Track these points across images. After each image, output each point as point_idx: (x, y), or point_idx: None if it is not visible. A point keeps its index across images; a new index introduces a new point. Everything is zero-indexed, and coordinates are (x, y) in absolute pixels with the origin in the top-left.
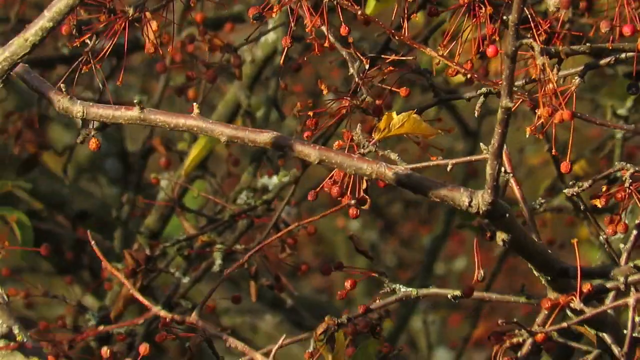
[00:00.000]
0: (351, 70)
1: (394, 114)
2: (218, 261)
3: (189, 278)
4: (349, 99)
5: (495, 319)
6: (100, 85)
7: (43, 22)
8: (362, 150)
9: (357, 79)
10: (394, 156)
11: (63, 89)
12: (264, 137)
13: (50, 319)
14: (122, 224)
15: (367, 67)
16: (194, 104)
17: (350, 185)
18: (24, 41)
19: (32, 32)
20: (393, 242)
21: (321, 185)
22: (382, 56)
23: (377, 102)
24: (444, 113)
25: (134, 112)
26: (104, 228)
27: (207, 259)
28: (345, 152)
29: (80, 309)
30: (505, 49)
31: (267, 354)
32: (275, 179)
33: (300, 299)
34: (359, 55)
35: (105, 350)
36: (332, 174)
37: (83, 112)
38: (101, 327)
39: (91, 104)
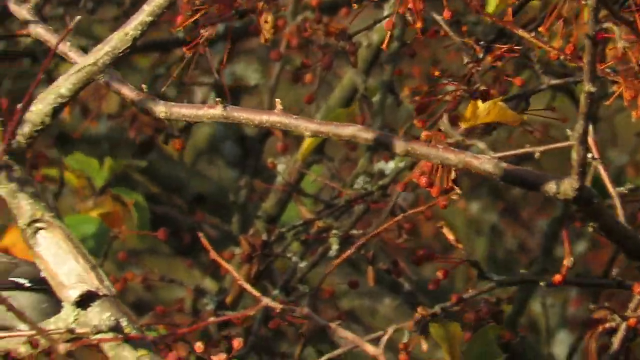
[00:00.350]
0: (465, 59)
1: (479, 102)
2: (335, 246)
3: (306, 263)
4: (462, 86)
5: (616, 301)
6: (215, 72)
7: (143, 16)
8: (450, 139)
9: (470, 67)
10: (482, 145)
11: (145, 89)
12: (348, 131)
13: (168, 302)
14: (239, 208)
15: (480, 55)
16: (277, 100)
17: (440, 175)
18: (124, 35)
19: (132, 27)
20: (513, 225)
21: (409, 176)
22: (496, 45)
23: (491, 89)
24: (563, 98)
25: (217, 111)
26: (221, 211)
27: (324, 244)
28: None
29: (199, 293)
30: (587, 33)
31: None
32: (391, 164)
33: (419, 282)
34: (472, 43)
35: (199, 346)
36: (420, 164)
37: (166, 112)
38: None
39: (173, 104)
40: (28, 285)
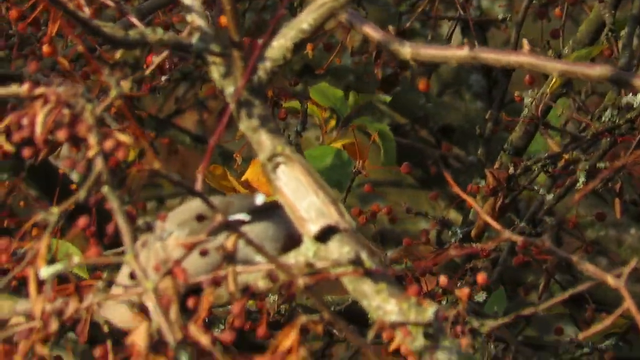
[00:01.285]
0: None
1: None
2: (582, 179)
3: (553, 195)
4: None
5: None
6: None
7: None
8: None
9: None
10: None
11: (392, 30)
12: (598, 71)
13: (414, 234)
14: (485, 140)
15: None
16: (524, 40)
17: None
18: None
19: None
20: None
21: None
22: None
23: None
24: None
25: (464, 52)
26: (467, 143)
27: (570, 177)
28: None
29: (444, 225)
30: None
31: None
32: (639, 97)
33: None
34: None
35: (443, 279)
36: None
37: (413, 54)
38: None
39: (420, 45)
40: (248, 219)
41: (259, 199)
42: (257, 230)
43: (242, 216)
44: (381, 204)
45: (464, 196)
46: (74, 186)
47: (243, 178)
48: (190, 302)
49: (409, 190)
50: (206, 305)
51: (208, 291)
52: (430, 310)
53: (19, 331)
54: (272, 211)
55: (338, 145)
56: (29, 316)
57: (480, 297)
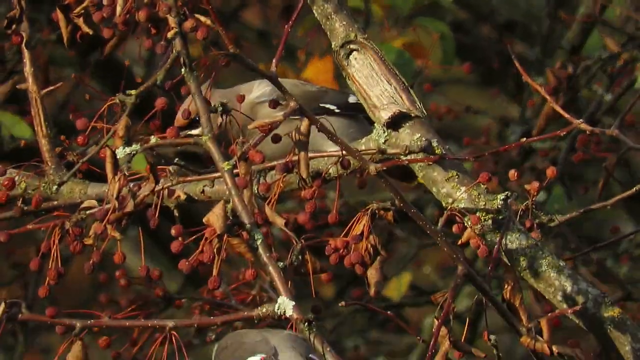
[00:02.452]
0: None
1: None
2: None
3: (611, 95)
4: None
5: None
6: None
7: None
8: None
9: None
10: None
11: None
12: None
13: (474, 132)
14: (543, 37)
15: None
16: None
17: None
18: None
19: None
20: None
21: None
22: None
23: None
24: None
25: None
26: (528, 39)
27: (629, 76)
28: None
29: (504, 122)
30: None
31: None
32: None
33: None
34: None
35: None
36: None
37: None
38: (523, 140)
39: None
40: (337, 111)
41: (352, 98)
42: (341, 124)
43: (332, 107)
44: (441, 102)
45: (532, 83)
46: (139, 79)
47: (303, 75)
48: (263, 187)
49: (469, 88)
50: (278, 189)
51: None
52: (499, 197)
53: (96, 212)
54: (360, 114)
55: (399, 44)
56: (101, 200)
57: (541, 196)
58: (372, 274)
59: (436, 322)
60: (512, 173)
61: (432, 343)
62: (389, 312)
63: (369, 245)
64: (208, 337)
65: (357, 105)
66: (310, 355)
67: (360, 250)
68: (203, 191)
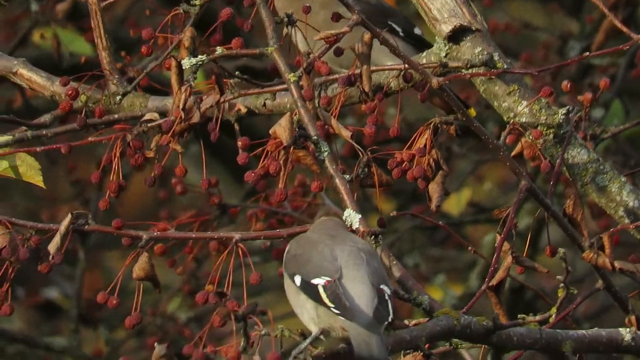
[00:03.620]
0: None
1: None
2: None
3: None
4: None
5: None
6: None
7: None
8: None
9: None
10: None
11: None
12: None
13: (534, 47)
14: None
15: None
16: None
17: None
18: None
19: None
20: None
21: None
22: None
23: None
24: None
25: None
26: None
27: None
28: None
29: (563, 38)
30: None
31: None
32: None
33: None
34: None
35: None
36: None
37: None
38: (584, 54)
39: None
40: (401, 34)
41: (417, 30)
42: (400, 46)
43: (398, 28)
44: (501, 18)
45: (595, 1)
46: None
47: None
48: (324, 101)
49: (528, 4)
50: (339, 103)
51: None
52: (561, 112)
53: (162, 123)
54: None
55: None
56: (161, 112)
57: (599, 112)
58: (434, 189)
59: (498, 238)
60: (565, 84)
61: (494, 258)
62: (440, 223)
63: (431, 160)
64: (263, 243)
65: (419, 38)
66: (382, 287)
67: (423, 165)
68: (264, 104)
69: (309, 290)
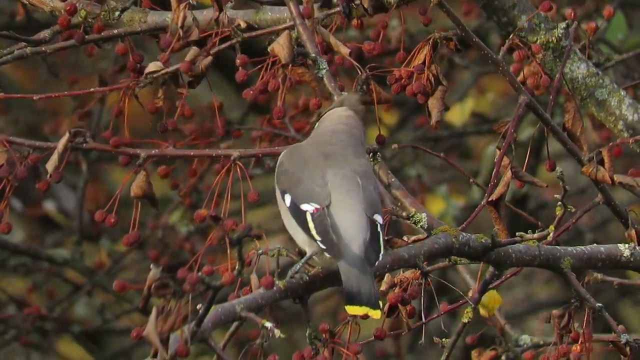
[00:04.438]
0: None
1: None
2: None
3: None
4: None
5: None
6: None
7: None
8: None
9: None
10: None
11: None
12: None
13: None
14: None
15: None
16: None
17: None
18: None
19: None
20: None
21: None
22: None
23: None
24: None
25: None
26: None
27: None
28: None
29: None
30: None
31: None
32: None
33: None
34: None
35: None
36: None
37: None
38: None
39: None
40: None
41: None
42: None
43: None
44: None
45: None
46: None
47: None
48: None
49: None
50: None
51: None
52: (560, 26)
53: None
54: None
55: None
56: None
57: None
58: (433, 104)
59: (498, 153)
60: (569, 13)
61: (494, 173)
62: (442, 155)
63: (431, 75)
64: (267, 164)
65: None
66: (375, 216)
67: (422, 80)
68: (262, 20)
69: (298, 215)
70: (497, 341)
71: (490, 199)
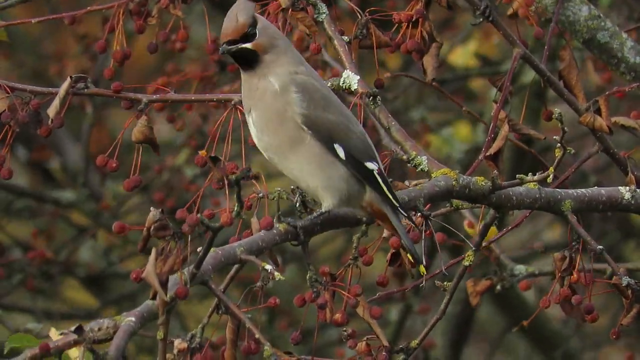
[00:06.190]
0: None
1: None
2: None
3: None
4: None
5: None
6: None
7: None
8: None
9: None
10: None
11: None
12: None
13: None
14: None
15: None
16: None
17: None
18: None
19: None
20: None
21: None
22: None
23: None
24: None
25: None
26: None
27: None
28: None
29: None
30: None
31: None
32: None
33: None
34: None
35: None
36: None
37: None
38: None
39: None
40: None
41: None
42: None
43: None
44: None
45: None
46: None
47: None
48: None
49: None
50: None
51: None
52: None
53: None
54: None
55: None
56: None
57: None
58: (428, 61)
59: (495, 106)
60: None
61: (491, 127)
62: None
63: (424, 32)
64: None
65: None
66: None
67: (416, 38)
68: None
69: (360, 170)
70: (492, 271)
71: (488, 153)
